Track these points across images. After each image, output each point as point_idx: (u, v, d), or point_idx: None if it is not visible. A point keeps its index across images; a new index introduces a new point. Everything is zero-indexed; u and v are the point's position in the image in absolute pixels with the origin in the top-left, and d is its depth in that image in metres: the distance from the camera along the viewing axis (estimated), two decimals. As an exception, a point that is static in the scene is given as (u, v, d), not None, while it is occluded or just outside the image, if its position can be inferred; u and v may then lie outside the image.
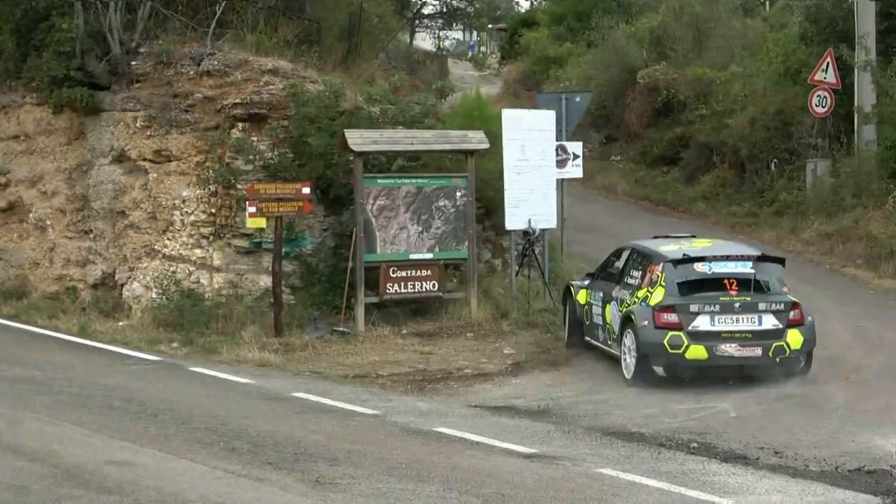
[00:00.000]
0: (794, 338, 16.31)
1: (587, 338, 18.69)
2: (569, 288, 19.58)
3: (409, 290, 19.85)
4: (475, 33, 76.81)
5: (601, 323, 17.96)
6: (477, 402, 15.45)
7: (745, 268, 16.61)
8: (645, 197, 34.12)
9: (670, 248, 17.30)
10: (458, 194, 20.22)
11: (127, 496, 11.01)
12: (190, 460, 12.40)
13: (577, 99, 23.36)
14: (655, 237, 18.99)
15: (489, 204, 21.69)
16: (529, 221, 20.71)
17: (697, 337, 16.02)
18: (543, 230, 21.33)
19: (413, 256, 19.93)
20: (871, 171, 27.30)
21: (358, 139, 19.54)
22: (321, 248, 20.71)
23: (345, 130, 19.76)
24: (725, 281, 16.45)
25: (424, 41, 53.92)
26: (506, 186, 20.65)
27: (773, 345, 16.14)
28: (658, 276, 16.62)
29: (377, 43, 33.91)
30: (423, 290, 19.95)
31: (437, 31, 52.35)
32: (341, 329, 19.29)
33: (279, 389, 16.05)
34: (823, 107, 29.04)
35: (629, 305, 16.85)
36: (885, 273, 24.10)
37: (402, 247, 19.88)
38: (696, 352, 16.00)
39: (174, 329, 19.80)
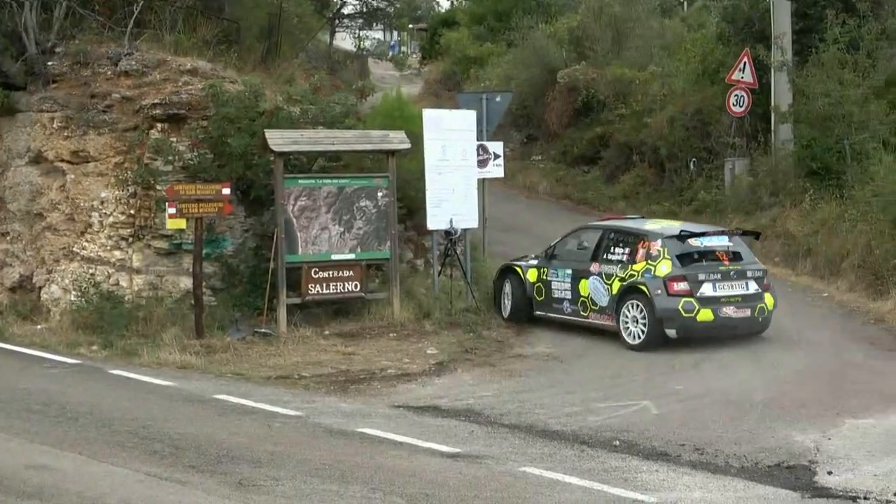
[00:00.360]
0: (769, 300, 19.18)
1: (538, 312, 20.66)
2: (510, 268, 21.21)
3: (332, 291, 19.79)
4: (395, 33, 76.78)
5: (569, 297, 20.02)
6: (400, 403, 15.43)
7: (726, 241, 19.48)
8: (566, 196, 34.32)
9: (658, 227, 19.94)
10: (380, 194, 20.20)
11: (47, 501, 10.88)
12: (111, 464, 12.28)
13: (498, 99, 23.42)
14: (608, 218, 22.03)
15: (411, 204, 21.69)
16: (451, 221, 20.74)
17: (705, 302, 18.47)
18: (465, 230, 21.38)
19: (335, 257, 19.88)
20: (787, 170, 27.62)
21: (278, 139, 19.45)
22: (242, 249, 20.59)
23: (265, 131, 19.67)
24: (718, 252, 19.16)
25: (345, 41, 53.72)
26: (427, 186, 20.66)
27: (758, 306, 18.94)
28: (659, 251, 18.86)
29: (297, 43, 33.78)
30: (346, 290, 19.90)
31: (357, 31, 52.16)
32: (263, 330, 19.18)
33: (201, 391, 15.93)
34: (741, 106, 29.36)
35: (625, 279, 19.02)
36: (803, 270, 24.40)
37: (324, 247, 19.82)
38: (705, 315, 18.44)
39: (94, 332, 19.57)
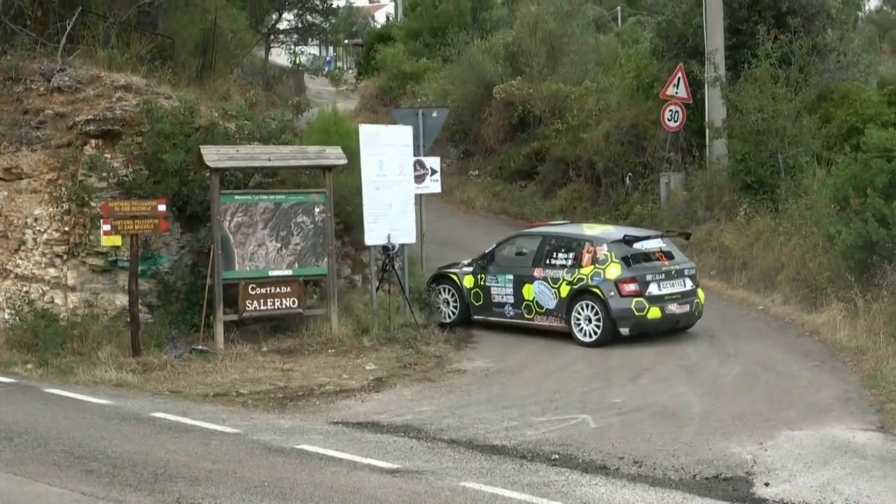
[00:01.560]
0: (701, 295, 20.91)
1: (477, 316, 21.67)
2: (443, 275, 22.22)
3: (269, 308, 19.71)
4: (331, 49, 76.74)
5: (511, 301, 21.05)
6: (339, 419, 15.37)
7: (660, 243, 20.91)
8: (503, 211, 34.43)
9: (598, 232, 21.14)
10: (317, 210, 20.14)
11: (-19, 523, 10.74)
12: (47, 483, 12.13)
13: (434, 114, 23.49)
14: (534, 224, 24.02)
15: (348, 219, 21.66)
16: (389, 237, 20.73)
17: (653, 300, 19.91)
18: (403, 245, 21.37)
19: (272, 273, 19.78)
20: (722, 185, 27.87)
21: (214, 155, 19.35)
22: (178, 265, 20.44)
23: (200, 147, 19.57)
24: (656, 253, 20.56)
25: (280, 57, 53.64)
26: (364, 202, 20.64)
27: (694, 301, 20.56)
28: (607, 255, 20.08)
29: (232, 58, 33.69)
30: (283, 306, 19.82)
31: (292, 47, 52.03)
32: (200, 348, 19.05)
33: (137, 409, 15.78)
34: (675, 121, 29.62)
35: (573, 282, 20.16)
36: (738, 284, 24.61)
37: (261, 264, 19.73)
38: (654, 313, 19.89)
39: (28, 350, 19.31)
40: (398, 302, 21.20)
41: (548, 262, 20.73)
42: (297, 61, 53.71)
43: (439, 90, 40.39)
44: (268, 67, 47.08)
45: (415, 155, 21.83)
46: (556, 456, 13.38)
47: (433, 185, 23.01)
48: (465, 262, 22.14)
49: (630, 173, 31.25)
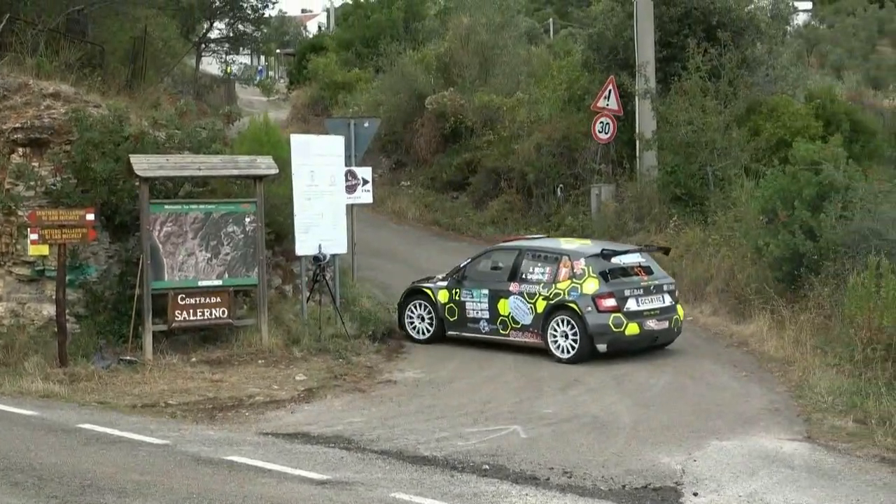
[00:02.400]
0: (680, 311, 20.59)
1: (451, 332, 21.22)
2: (417, 290, 21.71)
3: (199, 318, 19.56)
4: (263, 58, 76.51)
5: (487, 316, 20.60)
6: (269, 430, 15.28)
7: (639, 258, 20.56)
8: (435, 222, 34.44)
9: (575, 246, 20.76)
10: (248, 220, 20.03)
11: None
12: (-30, 497, 11.97)
13: (366, 124, 23.48)
14: (510, 238, 23.33)
15: (279, 229, 21.56)
16: (320, 247, 20.66)
17: (631, 316, 19.48)
18: (334, 255, 21.31)
19: (202, 283, 19.64)
20: (652, 196, 28.08)
21: (144, 164, 19.20)
22: (107, 275, 20.23)
23: (130, 156, 19.41)
24: (635, 268, 20.22)
25: (211, 66, 53.42)
26: (295, 212, 20.57)
27: (673, 317, 20.18)
28: (584, 270, 19.70)
29: (163, 67, 33.51)
30: (213, 317, 19.68)
31: (224, 56, 51.85)
32: (128, 358, 18.87)
33: (64, 421, 15.59)
34: (606, 133, 29.83)
35: (550, 297, 19.74)
36: (667, 294, 24.76)
37: (191, 274, 19.58)
38: (632, 329, 19.47)
39: (-47, 361, 19.05)
40: (329, 312, 21.12)
41: (524, 276, 20.30)
42: (229, 70, 53.52)
43: (371, 100, 40.39)
44: (199, 76, 46.88)
45: (346, 165, 21.79)
46: (487, 466, 13.38)
47: (365, 196, 23.00)
48: (440, 275, 21.80)
49: (561, 185, 31.40)
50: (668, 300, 20.17)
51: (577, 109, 32.23)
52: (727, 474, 13.13)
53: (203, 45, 48.67)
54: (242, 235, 19.95)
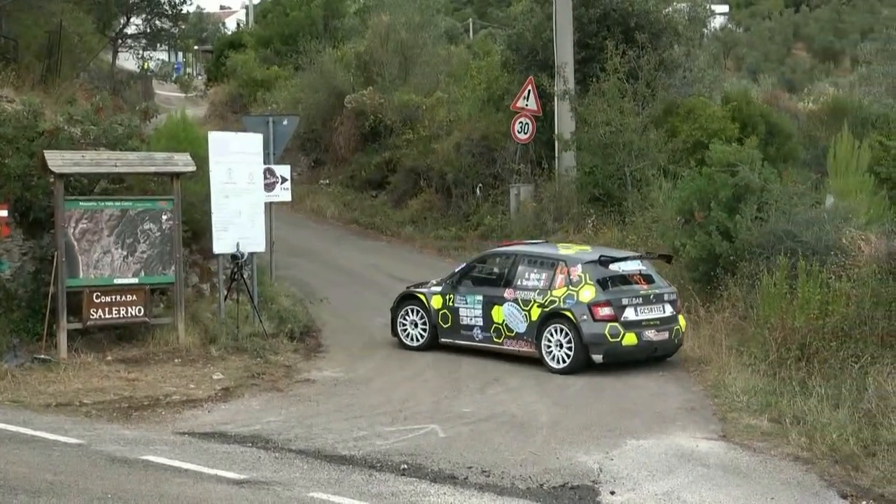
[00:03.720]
0: (682, 321, 19.67)
1: (444, 339, 20.53)
2: (410, 295, 21.06)
3: (114, 316, 19.33)
4: (181, 54, 75.86)
5: (481, 323, 19.94)
6: (185, 429, 15.16)
7: (640, 265, 19.75)
8: (354, 221, 34.38)
9: (573, 252, 20.05)
10: (164, 217, 19.84)
11: None
12: None
13: (285, 122, 23.33)
14: (511, 243, 21.96)
15: (196, 227, 21.36)
16: (237, 245, 20.50)
17: (628, 326, 18.74)
18: (252, 254, 21.15)
19: (118, 281, 19.42)
20: (570, 196, 28.24)
21: (58, 160, 18.94)
22: (20, 272, 19.93)
23: (44, 151, 19.13)
24: (635, 276, 19.43)
25: (128, 62, 52.78)
26: (213, 210, 20.39)
27: (674, 328, 19.31)
28: (580, 277, 19.01)
29: (78, 62, 33.12)
30: (129, 315, 19.45)
31: (141, 52, 51.21)
32: (42, 357, 18.61)
33: (-24, 421, 15.37)
34: (525, 133, 29.95)
35: (545, 305, 19.07)
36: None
37: (106, 271, 19.36)
38: (629, 339, 18.73)
39: None
40: (247, 311, 20.98)
41: (519, 283, 19.59)
42: (146, 67, 52.96)
43: (290, 98, 40.23)
44: (115, 72, 46.36)
45: (265, 163, 21.64)
46: (405, 466, 13.38)
47: (283, 194, 22.84)
48: (435, 281, 21.26)
49: (480, 184, 31.48)
50: (668, 310, 19.35)
51: (497, 109, 32.33)
52: (644, 473, 13.24)
53: (120, 41, 48.05)
54: (159, 233, 19.75)
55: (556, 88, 29.33)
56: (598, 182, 27.57)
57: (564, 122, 29.40)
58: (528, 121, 29.90)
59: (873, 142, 24.97)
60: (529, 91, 29.84)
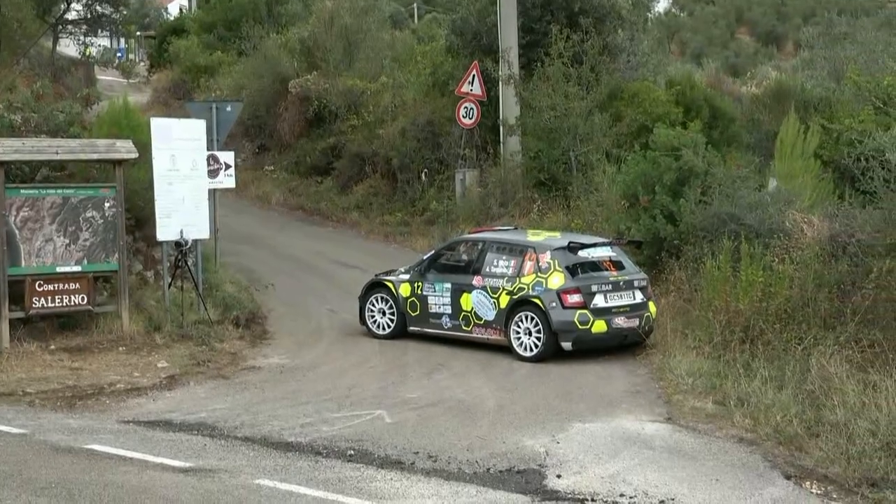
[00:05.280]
0: (652, 308, 19.51)
1: (413, 328, 20.36)
2: (378, 283, 20.81)
3: (57, 304, 19.16)
4: (123, 40, 75.20)
5: (449, 311, 19.76)
6: (130, 418, 15.07)
7: (610, 251, 19.59)
8: (299, 206, 34.29)
9: (542, 238, 19.86)
10: (107, 205, 19.67)
11: None
12: None
13: (228, 108, 23.19)
14: (478, 230, 21.86)
15: (140, 214, 21.20)
16: (181, 232, 20.36)
17: (598, 313, 18.62)
18: (196, 241, 21.02)
19: (60, 269, 19.24)
20: (516, 181, 28.30)
21: (-1, 148, 18.75)
22: (-39, 261, 19.74)
23: (-15, 139, 18.95)
24: (605, 262, 19.30)
25: (69, 47, 52.26)
26: (156, 197, 20.22)
27: (644, 315, 19.20)
28: (549, 263, 18.84)
29: (18, 48, 32.77)
30: (72, 303, 19.29)
31: (82, 38, 50.70)
32: (-16, 346, 18.44)
33: (-84, 411, 15.21)
34: (470, 118, 29.95)
35: (513, 292, 18.94)
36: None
37: (49, 259, 19.18)
38: (599, 326, 18.62)
39: None
40: (191, 298, 20.87)
41: (488, 270, 19.42)
42: (87, 53, 52.45)
43: (234, 84, 40.03)
44: (56, 58, 45.94)
45: (208, 149, 21.50)
46: (352, 452, 13.36)
47: (227, 180, 22.71)
48: (403, 268, 21.02)
49: (426, 169, 31.45)
50: (639, 297, 19.24)
51: (442, 94, 32.31)
52: (590, 456, 13.29)
53: (60, 27, 47.58)
54: (102, 220, 19.59)
55: (500, 73, 29.36)
56: (543, 167, 27.63)
57: (509, 107, 29.44)
58: (473, 106, 29.91)
59: (816, 125, 25.16)
60: (474, 76, 29.84)
